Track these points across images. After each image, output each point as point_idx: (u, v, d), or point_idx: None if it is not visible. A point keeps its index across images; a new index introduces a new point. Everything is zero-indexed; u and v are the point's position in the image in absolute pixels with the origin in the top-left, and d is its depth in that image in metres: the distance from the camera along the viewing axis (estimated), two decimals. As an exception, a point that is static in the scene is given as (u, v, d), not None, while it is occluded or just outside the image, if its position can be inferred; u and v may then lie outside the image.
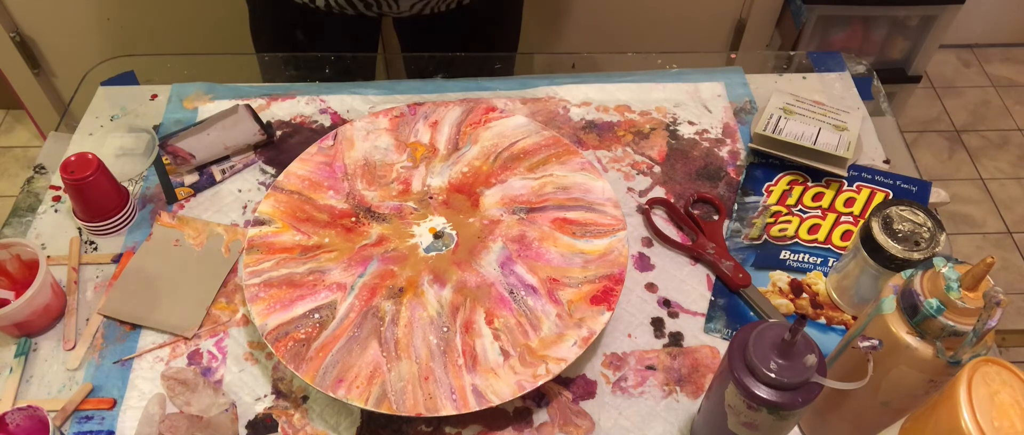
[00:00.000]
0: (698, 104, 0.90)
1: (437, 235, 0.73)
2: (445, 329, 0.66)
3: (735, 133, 0.87)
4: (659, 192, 0.82)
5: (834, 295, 0.72)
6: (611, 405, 0.66)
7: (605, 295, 0.67)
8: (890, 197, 0.79)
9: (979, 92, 2.08)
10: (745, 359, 0.51)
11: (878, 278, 0.66)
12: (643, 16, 1.63)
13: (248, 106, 0.85)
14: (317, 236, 0.73)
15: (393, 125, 0.82)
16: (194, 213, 0.79)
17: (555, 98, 0.91)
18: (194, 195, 0.81)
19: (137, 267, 0.74)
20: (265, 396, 0.66)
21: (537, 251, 0.71)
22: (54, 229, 0.78)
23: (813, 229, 0.77)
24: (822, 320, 0.71)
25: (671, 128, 0.88)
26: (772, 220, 0.78)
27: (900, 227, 0.65)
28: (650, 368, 0.68)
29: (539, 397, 0.66)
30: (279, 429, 0.64)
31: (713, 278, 0.74)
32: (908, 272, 0.52)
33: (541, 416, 0.65)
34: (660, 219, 0.79)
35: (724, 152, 0.85)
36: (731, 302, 0.72)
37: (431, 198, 0.76)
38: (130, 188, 0.80)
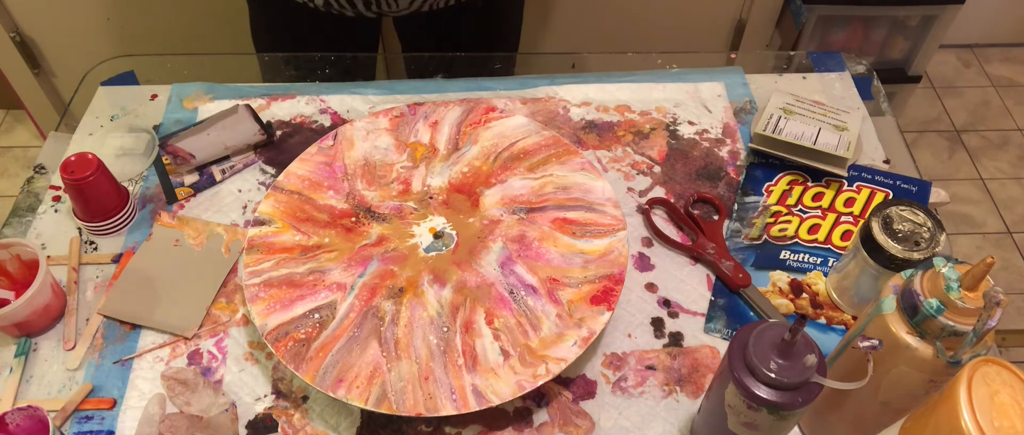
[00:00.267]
0: (698, 104, 0.90)
1: (437, 235, 0.73)
2: (445, 329, 0.66)
3: (735, 133, 0.87)
4: (659, 192, 0.82)
5: (834, 295, 0.72)
6: (611, 405, 0.66)
7: (605, 295, 0.67)
8: (890, 197, 0.79)
9: (979, 92, 2.08)
10: (745, 359, 0.51)
11: (878, 278, 0.66)
12: (643, 16, 1.63)
13: (248, 106, 0.85)
14: (317, 236, 0.73)
15: (393, 125, 0.82)
16: (194, 213, 0.79)
17: (555, 98, 0.91)
18: (194, 195, 0.81)
19: (137, 267, 0.74)
20: (265, 396, 0.66)
21: (537, 251, 0.71)
22: (54, 229, 0.78)
23: (813, 229, 0.77)
24: (822, 320, 0.71)
25: (671, 128, 0.88)
26: (772, 220, 0.78)
27: (900, 227, 0.65)
28: (650, 368, 0.68)
29: (539, 397, 0.66)
30: (279, 429, 0.64)
31: (713, 278, 0.74)
32: (908, 272, 0.52)
33: (541, 416, 0.65)
34: (660, 219, 0.79)
35: (724, 152, 0.85)
36: (731, 302, 0.72)
37: (431, 198, 0.76)
38: (130, 188, 0.80)
